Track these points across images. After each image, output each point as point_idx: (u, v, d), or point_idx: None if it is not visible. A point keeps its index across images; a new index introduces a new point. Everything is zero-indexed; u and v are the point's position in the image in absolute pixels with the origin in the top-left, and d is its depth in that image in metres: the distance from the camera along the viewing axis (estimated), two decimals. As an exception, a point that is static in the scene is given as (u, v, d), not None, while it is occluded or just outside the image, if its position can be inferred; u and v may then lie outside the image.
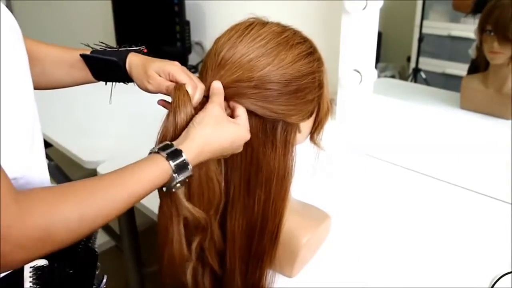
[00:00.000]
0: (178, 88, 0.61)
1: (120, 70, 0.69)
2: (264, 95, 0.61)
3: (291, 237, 0.73)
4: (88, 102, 1.62)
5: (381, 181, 1.08)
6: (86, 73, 0.73)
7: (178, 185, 0.56)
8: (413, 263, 0.80)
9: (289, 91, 0.62)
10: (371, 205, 0.98)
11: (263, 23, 0.65)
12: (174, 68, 0.63)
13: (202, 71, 0.65)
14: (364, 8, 1.09)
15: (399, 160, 1.14)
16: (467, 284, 0.75)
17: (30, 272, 0.51)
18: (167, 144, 0.56)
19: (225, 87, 0.62)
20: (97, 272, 0.64)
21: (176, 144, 0.56)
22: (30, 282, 0.51)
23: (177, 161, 0.54)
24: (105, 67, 0.70)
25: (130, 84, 0.72)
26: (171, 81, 0.63)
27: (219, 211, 0.67)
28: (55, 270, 0.54)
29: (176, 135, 0.59)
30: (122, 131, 1.38)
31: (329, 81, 0.71)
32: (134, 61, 0.68)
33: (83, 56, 0.71)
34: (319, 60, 0.67)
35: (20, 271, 0.51)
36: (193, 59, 1.97)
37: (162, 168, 0.54)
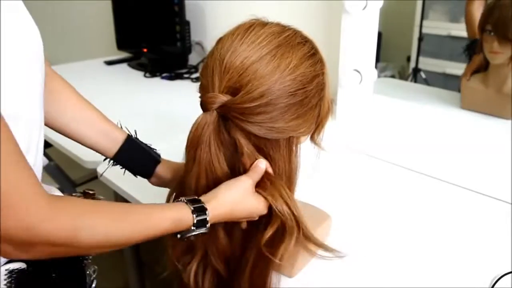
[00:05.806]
0: None
1: None
2: (271, 116, 0.60)
3: (291, 237, 0.73)
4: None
5: (381, 181, 1.08)
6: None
7: (192, 237, 0.59)
8: (413, 263, 0.80)
9: (294, 103, 0.61)
10: (371, 205, 0.98)
11: (263, 24, 0.64)
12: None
13: (207, 74, 0.63)
14: (364, 8, 1.09)
15: (399, 160, 1.13)
16: (467, 284, 0.75)
17: (5, 274, 0.52)
18: (196, 199, 0.59)
19: (229, 104, 0.60)
20: (88, 272, 0.65)
21: (204, 201, 0.60)
22: (4, 285, 0.52)
23: (200, 218, 0.58)
24: None
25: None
26: None
27: None
28: (34, 274, 0.54)
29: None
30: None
31: (329, 81, 0.71)
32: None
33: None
34: (321, 61, 0.66)
35: None
36: (193, 59, 1.96)
37: (186, 217, 0.57)
